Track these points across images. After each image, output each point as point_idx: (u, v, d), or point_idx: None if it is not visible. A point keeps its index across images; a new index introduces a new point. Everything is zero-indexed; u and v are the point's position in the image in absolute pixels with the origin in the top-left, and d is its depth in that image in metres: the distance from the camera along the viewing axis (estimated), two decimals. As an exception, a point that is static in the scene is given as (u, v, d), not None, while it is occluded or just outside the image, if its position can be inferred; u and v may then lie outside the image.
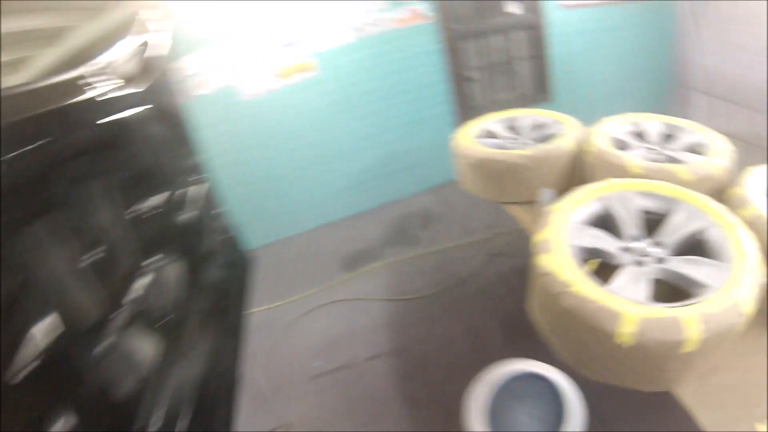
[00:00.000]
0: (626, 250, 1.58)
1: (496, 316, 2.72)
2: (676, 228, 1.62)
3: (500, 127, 2.73)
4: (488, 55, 3.83)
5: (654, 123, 2.48)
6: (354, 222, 3.95)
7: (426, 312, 2.90)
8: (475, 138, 2.58)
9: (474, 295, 2.95)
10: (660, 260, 1.54)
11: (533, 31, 3.82)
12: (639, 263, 1.53)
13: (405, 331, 2.83)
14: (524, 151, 2.29)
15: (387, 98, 3.62)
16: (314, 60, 3.29)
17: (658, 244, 1.60)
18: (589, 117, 4.83)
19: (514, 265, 3.09)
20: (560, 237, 1.53)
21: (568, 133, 2.42)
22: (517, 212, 2.40)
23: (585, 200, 1.73)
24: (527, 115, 2.80)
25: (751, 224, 1.62)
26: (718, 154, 2.09)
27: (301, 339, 2.91)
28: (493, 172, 2.33)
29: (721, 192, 1.92)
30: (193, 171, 1.82)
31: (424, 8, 3.42)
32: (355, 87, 3.48)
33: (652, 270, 1.50)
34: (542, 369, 1.24)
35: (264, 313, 3.13)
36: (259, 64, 3.25)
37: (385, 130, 3.74)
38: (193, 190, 1.71)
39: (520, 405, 1.19)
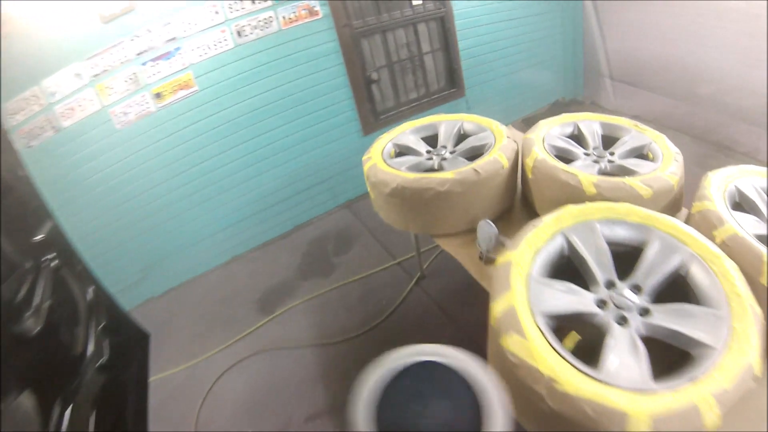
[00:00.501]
0: (603, 304, 1.29)
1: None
2: (653, 266, 1.37)
3: (416, 139, 2.42)
4: (395, 52, 3.53)
5: (592, 124, 2.27)
6: (264, 252, 3.50)
7: (360, 353, 2.59)
8: (388, 158, 2.24)
9: (408, 328, 2.69)
10: (644, 312, 1.26)
11: (441, 22, 3.58)
12: (622, 321, 1.24)
13: (342, 380, 2.50)
14: (449, 173, 1.95)
15: (282, 111, 3.17)
16: (191, 74, 2.75)
17: (636, 289, 1.33)
18: (502, 108, 4.91)
19: (444, 287, 2.88)
20: (526, 304, 1.23)
21: (499, 143, 2.12)
22: (454, 250, 2.08)
23: (543, 239, 1.44)
24: (448, 122, 2.51)
25: (729, 247, 1.44)
26: (668, 158, 1.91)
27: (225, 403, 2.48)
28: (415, 202, 1.99)
29: (676, 205, 1.77)
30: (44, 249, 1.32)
31: (316, 4, 3.00)
32: (244, 102, 2.98)
33: (637, 328, 1.23)
34: (453, 356, 0.85)
35: (175, 377, 2.64)
36: (129, 81, 2.64)
37: (285, 147, 3.29)
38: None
39: (421, 402, 0.81)
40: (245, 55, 2.83)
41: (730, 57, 3.66)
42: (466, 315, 2.68)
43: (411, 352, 0.88)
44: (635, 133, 2.21)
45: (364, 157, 2.29)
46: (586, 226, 1.49)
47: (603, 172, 2.00)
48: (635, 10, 4.15)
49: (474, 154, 2.24)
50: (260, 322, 2.87)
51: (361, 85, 3.42)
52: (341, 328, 2.73)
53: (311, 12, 2.96)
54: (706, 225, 1.56)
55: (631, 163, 2.05)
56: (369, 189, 2.26)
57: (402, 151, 2.43)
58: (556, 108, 5.00)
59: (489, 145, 2.18)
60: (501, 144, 2.12)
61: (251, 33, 2.76)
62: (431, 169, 2.23)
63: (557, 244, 1.46)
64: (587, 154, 2.27)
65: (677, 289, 1.38)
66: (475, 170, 1.90)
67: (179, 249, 3.18)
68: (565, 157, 2.12)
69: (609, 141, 2.26)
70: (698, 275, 1.34)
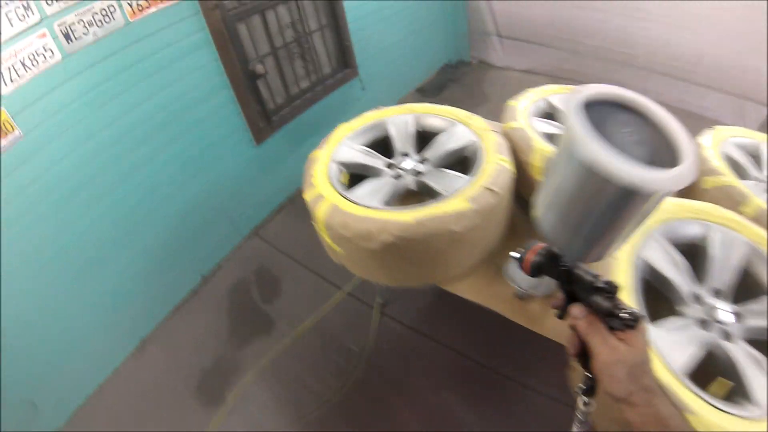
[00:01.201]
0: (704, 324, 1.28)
1: (446, 403, 2.11)
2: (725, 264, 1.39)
3: (363, 151, 1.92)
4: (278, 35, 2.86)
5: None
6: (179, 320, 2.69)
7: (351, 414, 2.12)
8: (343, 188, 1.74)
9: (393, 368, 2.29)
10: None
11: None
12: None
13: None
14: (460, 202, 1.48)
15: (149, 138, 2.33)
16: (4, 112, 1.72)
17: (717, 293, 1.35)
18: (395, 82, 4.46)
19: (412, 307, 2.51)
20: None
21: (489, 142, 1.77)
22: (476, 293, 1.72)
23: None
24: (395, 119, 2.06)
25: (758, 220, 1.46)
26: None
27: None
28: (421, 252, 1.52)
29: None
30: None
31: (170, -17, 2.18)
32: (94, 137, 2.08)
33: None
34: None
35: None
36: None
37: (162, 182, 2.47)
38: None
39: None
40: (82, 68, 1.92)
41: (610, 11, 3.89)
42: (452, 331, 2.37)
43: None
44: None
45: (308, 194, 1.74)
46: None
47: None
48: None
49: (454, 160, 1.87)
50: (213, 418, 2.17)
51: (244, 82, 2.71)
52: (315, 395, 2.21)
53: (167, -6, 2.14)
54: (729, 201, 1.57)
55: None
56: (330, 240, 1.71)
57: (354, 170, 1.93)
58: (445, 72, 4.88)
59: (475, 146, 1.81)
60: (493, 143, 1.76)
61: (86, 34, 1.85)
62: (410, 192, 1.80)
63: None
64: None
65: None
66: (490, 190, 1.51)
67: (64, 357, 2.18)
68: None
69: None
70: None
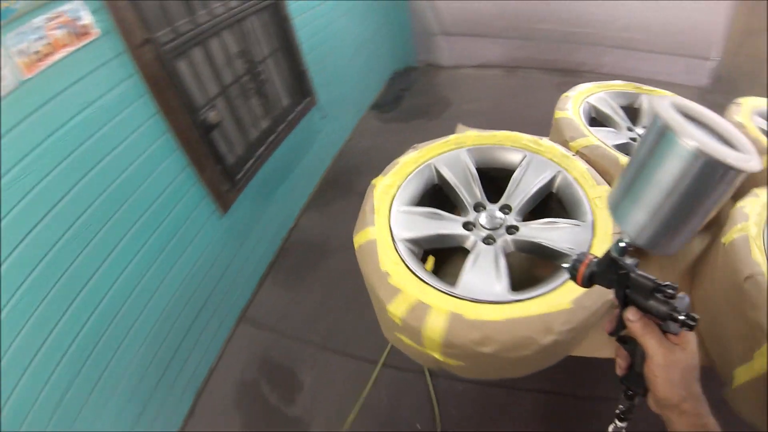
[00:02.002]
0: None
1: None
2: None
3: (433, 220, 1.47)
4: (227, 69, 2.19)
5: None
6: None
7: None
8: (432, 278, 1.29)
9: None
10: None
11: (275, 11, 2.38)
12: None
13: None
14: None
15: (89, 242, 1.57)
16: None
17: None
18: (353, 104, 3.86)
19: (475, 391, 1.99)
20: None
21: (575, 174, 1.55)
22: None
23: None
24: (456, 156, 1.67)
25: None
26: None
27: None
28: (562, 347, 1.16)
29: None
30: None
31: (82, 14, 1.44)
32: (19, 251, 1.29)
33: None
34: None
35: None
36: None
37: (123, 294, 1.71)
38: None
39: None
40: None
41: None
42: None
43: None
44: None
45: (396, 306, 1.21)
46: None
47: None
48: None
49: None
50: None
51: (197, 138, 2.01)
52: None
53: (78, 31, 1.41)
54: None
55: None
56: (444, 357, 1.20)
57: (430, 245, 1.48)
58: (396, 82, 4.44)
59: (564, 179, 1.58)
60: (581, 171, 1.58)
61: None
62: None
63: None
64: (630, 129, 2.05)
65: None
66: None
67: None
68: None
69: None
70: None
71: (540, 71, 4.19)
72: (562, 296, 1.20)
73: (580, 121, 1.93)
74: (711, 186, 0.52)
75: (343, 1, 3.24)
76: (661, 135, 0.53)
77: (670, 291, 0.61)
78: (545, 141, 1.72)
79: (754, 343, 1.30)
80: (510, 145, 1.71)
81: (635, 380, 0.66)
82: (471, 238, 1.45)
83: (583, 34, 3.90)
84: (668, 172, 0.53)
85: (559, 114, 1.96)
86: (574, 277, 0.69)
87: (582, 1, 3.78)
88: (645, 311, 0.63)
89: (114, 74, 1.63)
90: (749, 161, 0.50)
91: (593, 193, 1.56)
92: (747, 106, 2.20)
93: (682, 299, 0.61)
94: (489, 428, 1.88)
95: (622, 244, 0.63)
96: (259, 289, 2.66)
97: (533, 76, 4.28)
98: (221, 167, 2.19)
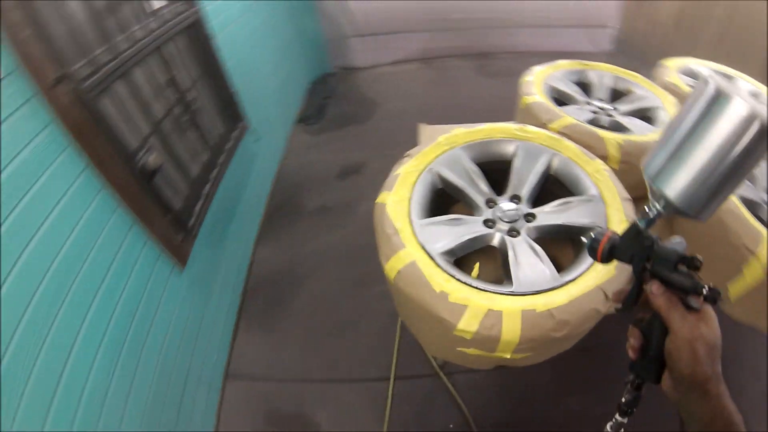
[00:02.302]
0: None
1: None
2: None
3: (465, 231, 1.44)
4: (156, 102, 1.84)
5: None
6: None
7: None
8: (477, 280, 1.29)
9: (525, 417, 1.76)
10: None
11: (195, 31, 2.06)
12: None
13: None
14: None
15: (26, 344, 1.22)
16: None
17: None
18: (280, 121, 3.68)
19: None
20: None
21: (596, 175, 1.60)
22: None
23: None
24: (455, 155, 1.66)
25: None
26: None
27: None
28: None
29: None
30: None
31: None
32: None
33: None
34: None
35: None
36: None
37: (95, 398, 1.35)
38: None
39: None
40: None
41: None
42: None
43: None
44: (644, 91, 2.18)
45: (465, 326, 1.19)
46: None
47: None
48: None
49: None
50: None
51: (138, 189, 1.65)
52: None
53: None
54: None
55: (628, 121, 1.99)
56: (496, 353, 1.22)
57: (463, 251, 1.46)
58: (316, 91, 4.22)
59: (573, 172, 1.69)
60: (605, 176, 1.64)
61: None
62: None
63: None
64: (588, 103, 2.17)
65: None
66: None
67: None
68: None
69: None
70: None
71: (457, 59, 4.29)
72: (602, 266, 1.28)
73: (550, 103, 1.95)
74: (761, 146, 0.53)
75: (256, 13, 2.97)
76: (715, 100, 0.54)
77: (697, 263, 0.61)
78: (530, 127, 1.72)
79: (740, 261, 1.52)
80: (500, 137, 1.67)
81: (648, 365, 0.64)
82: (497, 235, 1.44)
83: (495, 19, 4.11)
84: (722, 135, 0.54)
85: (528, 99, 1.98)
86: (593, 253, 0.69)
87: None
88: (668, 285, 0.62)
89: (25, 127, 1.26)
90: None
91: (591, 168, 1.57)
92: (672, 67, 2.39)
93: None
94: (515, 408, 1.90)
95: (651, 215, 0.63)
96: (234, 340, 2.36)
97: (451, 64, 4.36)
98: (171, 216, 1.85)
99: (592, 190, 1.52)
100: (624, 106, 2.15)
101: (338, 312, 2.45)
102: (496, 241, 1.41)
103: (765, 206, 1.79)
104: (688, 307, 0.60)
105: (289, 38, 3.65)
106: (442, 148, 1.62)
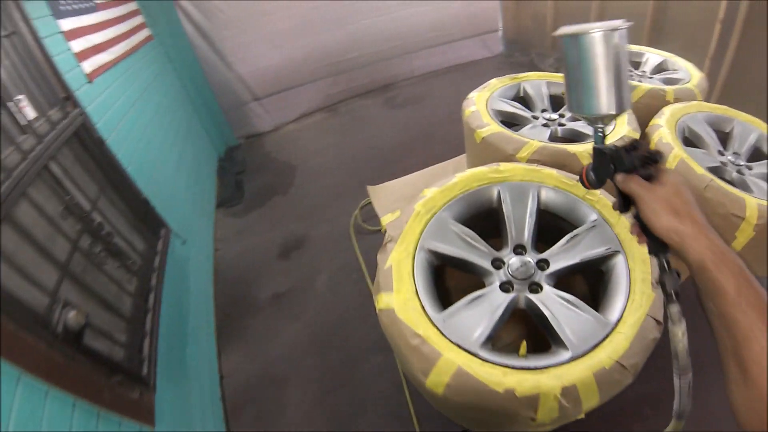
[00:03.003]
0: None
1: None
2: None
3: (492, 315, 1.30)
4: (55, 237, 1.39)
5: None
6: None
7: None
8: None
9: None
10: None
11: (83, 138, 1.63)
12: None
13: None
14: None
15: None
16: None
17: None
18: (194, 211, 3.28)
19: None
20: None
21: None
22: None
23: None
24: (481, 193, 1.60)
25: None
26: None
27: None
28: None
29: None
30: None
31: None
32: None
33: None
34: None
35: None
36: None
37: None
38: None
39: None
40: None
41: (354, 22, 4.02)
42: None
43: None
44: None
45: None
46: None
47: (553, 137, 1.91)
48: (245, 26, 3.75)
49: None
50: None
51: (66, 360, 1.21)
52: None
53: None
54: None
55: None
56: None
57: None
58: (226, 169, 3.80)
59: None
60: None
61: None
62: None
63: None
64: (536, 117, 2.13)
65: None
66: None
67: None
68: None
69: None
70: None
71: (361, 98, 4.20)
72: (640, 293, 1.24)
73: (506, 131, 1.94)
74: (622, 47, 0.72)
75: (147, 102, 2.60)
76: (576, 41, 0.73)
77: (636, 143, 0.76)
78: (503, 165, 1.64)
79: (733, 228, 1.58)
80: (477, 185, 1.57)
81: (655, 241, 0.71)
82: (522, 298, 1.32)
83: (392, 48, 4.15)
84: (596, 56, 0.72)
85: (482, 133, 1.97)
86: (584, 181, 0.83)
87: (381, 22, 3.98)
88: (629, 171, 0.74)
89: None
90: (620, 23, 0.71)
91: (581, 191, 1.52)
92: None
93: (645, 147, 0.75)
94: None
95: (600, 132, 0.80)
96: None
97: (357, 104, 4.25)
98: (119, 374, 1.40)
99: (592, 216, 1.45)
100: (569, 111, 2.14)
101: (339, 407, 2.08)
102: (522, 304, 1.28)
103: (725, 167, 1.87)
104: (647, 178, 0.72)
105: (188, 119, 3.28)
106: (423, 219, 1.44)
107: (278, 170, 3.85)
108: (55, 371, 1.18)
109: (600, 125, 0.78)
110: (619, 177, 0.75)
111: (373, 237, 2.90)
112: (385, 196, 3.07)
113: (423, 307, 1.24)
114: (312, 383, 2.22)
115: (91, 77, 1.91)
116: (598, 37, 0.70)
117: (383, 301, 1.25)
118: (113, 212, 1.79)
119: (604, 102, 0.74)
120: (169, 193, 2.52)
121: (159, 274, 1.98)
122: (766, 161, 1.95)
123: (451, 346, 1.14)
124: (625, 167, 0.74)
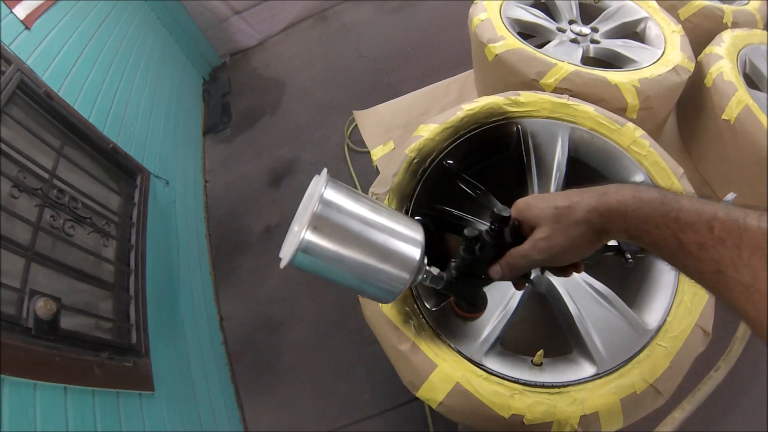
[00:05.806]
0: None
1: None
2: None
3: None
4: (11, 216, 1.29)
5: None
6: None
7: None
8: None
9: None
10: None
11: (27, 96, 1.44)
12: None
13: None
14: None
15: None
16: None
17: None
18: (179, 144, 3.07)
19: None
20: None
21: None
22: None
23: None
24: None
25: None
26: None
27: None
28: None
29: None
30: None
31: None
32: None
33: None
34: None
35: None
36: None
37: None
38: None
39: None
40: None
41: None
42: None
43: None
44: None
45: None
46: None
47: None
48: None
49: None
50: None
51: (45, 351, 1.17)
52: None
53: None
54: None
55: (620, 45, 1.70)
56: None
57: None
58: (211, 93, 3.51)
59: None
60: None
61: None
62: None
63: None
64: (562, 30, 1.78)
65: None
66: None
67: None
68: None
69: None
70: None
71: (351, 2, 3.70)
72: (689, 298, 1.01)
73: (528, 47, 1.53)
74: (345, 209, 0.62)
75: (106, 37, 2.26)
76: (299, 262, 0.59)
77: (499, 217, 0.62)
78: (524, 94, 1.26)
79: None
80: (487, 119, 1.23)
81: (596, 254, 0.63)
82: (544, 281, 1.08)
83: None
84: (331, 261, 0.59)
85: (495, 48, 1.54)
86: (462, 317, 0.73)
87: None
88: (496, 255, 0.64)
89: None
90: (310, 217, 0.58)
91: (626, 140, 1.18)
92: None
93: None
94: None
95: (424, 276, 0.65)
96: (244, 419, 2.06)
97: (347, 10, 3.76)
98: (107, 349, 1.40)
99: (638, 175, 1.12)
100: (605, 25, 1.73)
101: (335, 353, 2.14)
102: (543, 288, 1.06)
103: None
104: (512, 244, 0.62)
105: (161, 45, 2.91)
106: (418, 169, 1.16)
107: (266, 88, 3.54)
108: (38, 366, 1.17)
109: (415, 283, 0.64)
110: (491, 270, 0.64)
111: (367, 157, 2.73)
112: (375, 123, 2.79)
113: (415, 298, 1.01)
114: (307, 333, 2.25)
115: (27, 22, 1.61)
116: (300, 254, 0.56)
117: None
118: (77, 173, 1.65)
119: (395, 275, 0.59)
120: (144, 132, 2.33)
121: (139, 228, 1.90)
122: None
123: (449, 353, 0.95)
124: (495, 252, 0.63)
